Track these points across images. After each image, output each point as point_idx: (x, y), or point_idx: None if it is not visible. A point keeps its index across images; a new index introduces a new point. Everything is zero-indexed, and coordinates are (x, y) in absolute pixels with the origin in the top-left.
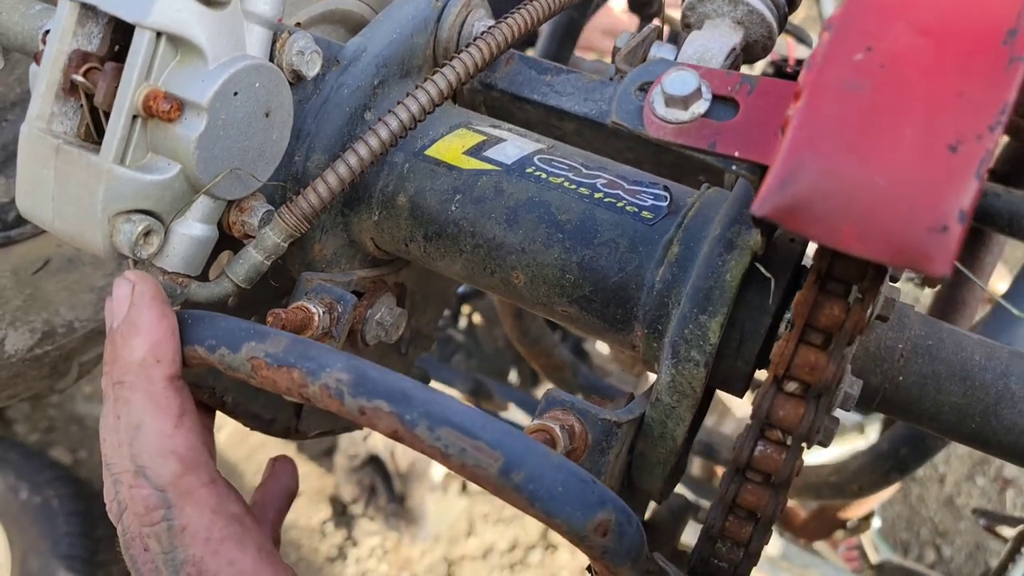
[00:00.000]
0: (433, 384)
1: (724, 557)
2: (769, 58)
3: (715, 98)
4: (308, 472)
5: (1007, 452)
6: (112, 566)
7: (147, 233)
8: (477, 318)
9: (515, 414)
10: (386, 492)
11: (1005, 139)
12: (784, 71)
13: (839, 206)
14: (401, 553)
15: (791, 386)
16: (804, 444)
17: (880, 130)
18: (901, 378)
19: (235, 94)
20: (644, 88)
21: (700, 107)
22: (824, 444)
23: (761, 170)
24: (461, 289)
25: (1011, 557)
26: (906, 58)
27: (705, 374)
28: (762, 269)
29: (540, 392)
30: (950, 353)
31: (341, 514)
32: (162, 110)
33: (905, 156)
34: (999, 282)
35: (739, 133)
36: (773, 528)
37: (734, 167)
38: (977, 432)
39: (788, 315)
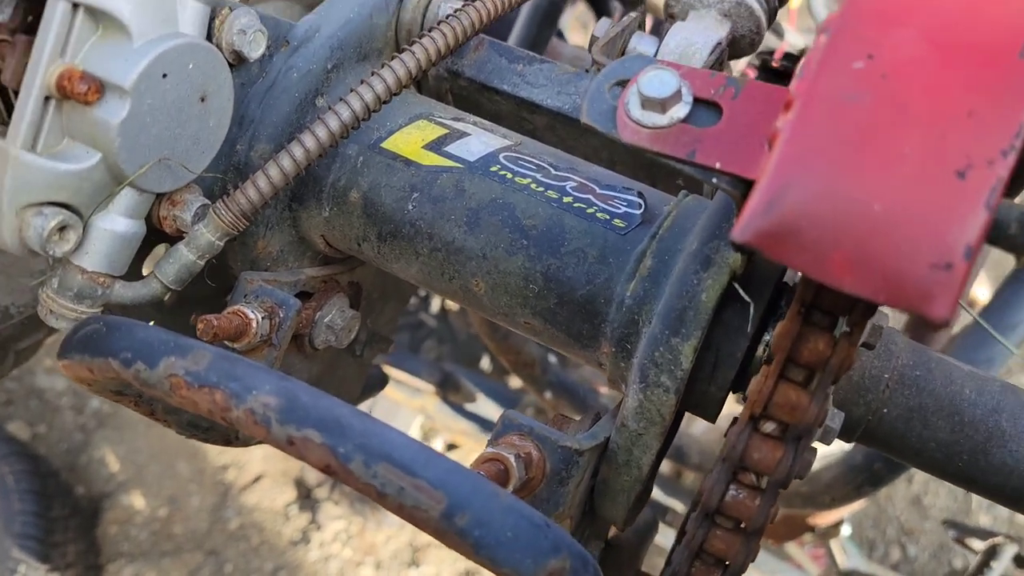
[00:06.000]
0: (400, 375)
1: None
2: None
3: (696, 101)
4: (273, 453)
5: (995, 493)
6: (67, 546)
7: (62, 228)
8: (449, 303)
9: (484, 405)
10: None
11: None
12: (770, 66)
13: (829, 234)
14: (366, 538)
15: (768, 426)
16: (781, 488)
17: (880, 149)
18: (886, 410)
19: (164, 76)
20: (621, 84)
21: (679, 111)
22: (800, 477)
23: (744, 185)
24: None
25: (979, 571)
26: (911, 69)
27: (675, 400)
28: (741, 292)
29: (513, 380)
30: (939, 385)
31: (306, 497)
32: (79, 91)
33: (907, 180)
34: (979, 287)
35: (721, 142)
36: None
37: (714, 180)
38: (964, 471)
39: (768, 336)
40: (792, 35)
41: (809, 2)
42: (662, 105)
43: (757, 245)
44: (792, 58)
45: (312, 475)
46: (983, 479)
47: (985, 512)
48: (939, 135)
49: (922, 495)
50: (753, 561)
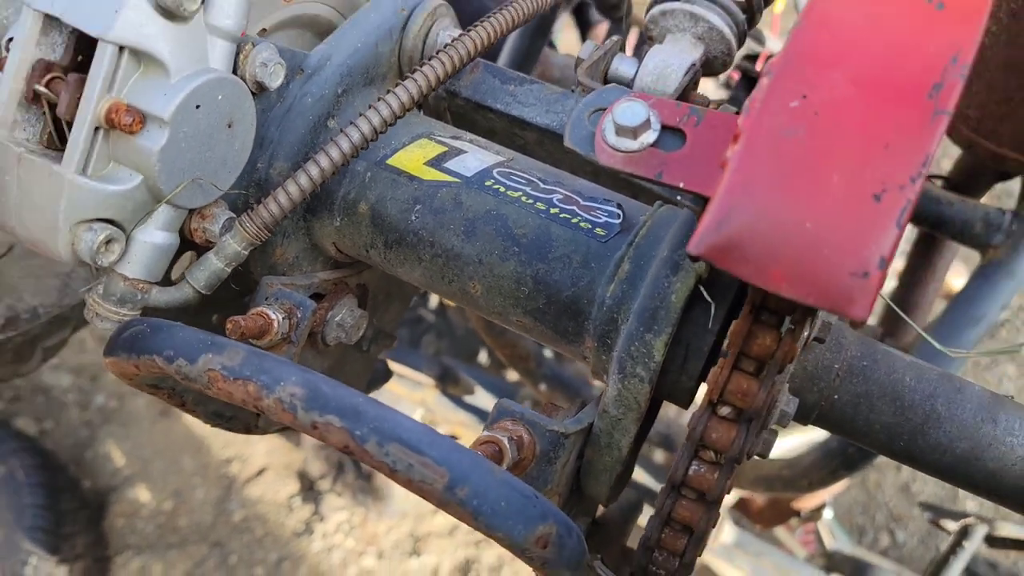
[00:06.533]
0: (401, 369)
1: (661, 566)
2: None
3: (664, 128)
4: (276, 447)
5: (933, 469)
6: (76, 538)
7: (108, 241)
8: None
9: (482, 397)
10: (354, 468)
11: (959, 151)
12: (750, 74)
13: (769, 248)
14: (368, 529)
15: (724, 410)
16: (736, 464)
17: (811, 176)
18: (836, 397)
19: (197, 107)
20: (601, 111)
21: (649, 137)
22: (763, 455)
23: (704, 201)
24: None
25: (953, 550)
26: (839, 107)
27: (650, 389)
28: (705, 294)
29: (509, 373)
30: (883, 374)
31: (309, 489)
32: (124, 123)
33: (833, 202)
34: (956, 278)
35: (685, 164)
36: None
37: (679, 197)
38: (905, 450)
39: None
40: (773, 42)
41: (796, 4)
42: (634, 132)
43: (709, 257)
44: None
45: (315, 468)
46: (922, 457)
47: (972, 497)
48: (860, 164)
49: (911, 482)
50: (714, 527)
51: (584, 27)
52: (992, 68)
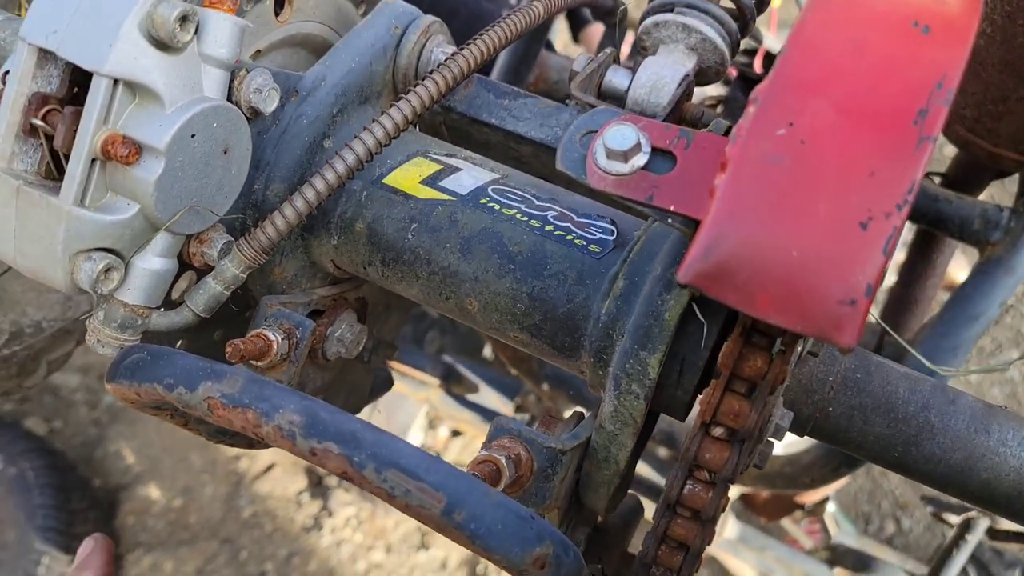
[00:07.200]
0: (405, 369)
1: None
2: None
3: (654, 150)
4: None
5: (927, 479)
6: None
7: (107, 270)
8: None
9: (486, 395)
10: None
11: (956, 150)
12: (748, 76)
13: (756, 276)
14: (376, 523)
15: (717, 431)
16: (729, 483)
17: (797, 204)
18: (831, 408)
19: (192, 136)
20: (592, 132)
21: (639, 160)
22: (760, 467)
23: (695, 224)
24: None
25: (955, 543)
26: (825, 135)
27: (645, 406)
28: (698, 312)
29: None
30: (877, 386)
31: (317, 485)
32: (120, 155)
33: (819, 230)
34: (959, 272)
35: (675, 187)
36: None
37: (669, 220)
38: (899, 460)
39: None
40: (770, 39)
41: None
42: (624, 156)
43: (697, 285)
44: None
45: None
46: (915, 467)
47: None
48: (846, 192)
49: None
50: (709, 545)
51: (576, 27)
52: (988, 68)
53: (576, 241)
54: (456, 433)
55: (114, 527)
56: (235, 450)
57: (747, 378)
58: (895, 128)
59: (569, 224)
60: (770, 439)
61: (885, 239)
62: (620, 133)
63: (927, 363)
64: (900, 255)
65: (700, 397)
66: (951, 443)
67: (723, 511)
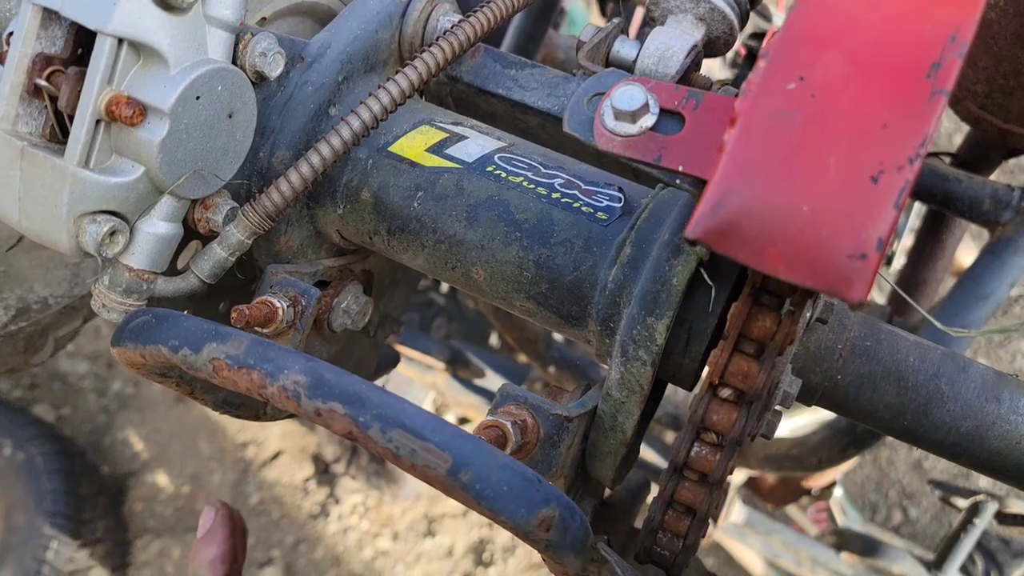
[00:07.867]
0: (412, 353)
1: (665, 547)
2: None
3: (662, 112)
4: (291, 431)
5: (937, 448)
6: (96, 523)
7: (112, 233)
8: None
9: (492, 380)
10: (368, 451)
11: (967, 128)
12: (757, 54)
13: (766, 231)
14: (383, 511)
15: (725, 392)
16: (737, 446)
17: (808, 159)
18: (839, 377)
19: (197, 98)
20: (600, 94)
21: (647, 121)
22: (767, 436)
23: (703, 185)
24: None
25: (963, 527)
26: (836, 88)
27: (652, 372)
28: (705, 276)
29: (520, 356)
30: (886, 354)
31: (323, 472)
32: (125, 115)
33: (830, 185)
34: (967, 256)
35: (683, 148)
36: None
37: (678, 180)
38: (909, 429)
39: None
40: (779, 18)
41: None
42: (632, 116)
43: (706, 241)
44: None
45: (329, 451)
46: (925, 436)
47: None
48: (857, 145)
49: (923, 459)
50: (717, 509)
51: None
52: (1000, 41)
53: (583, 208)
54: (464, 420)
55: (123, 513)
56: (243, 437)
57: (756, 339)
58: (908, 81)
59: (576, 191)
60: (777, 408)
61: (897, 192)
62: (628, 94)
63: (938, 324)
64: (909, 240)
65: (709, 359)
66: (962, 411)
67: (730, 474)
